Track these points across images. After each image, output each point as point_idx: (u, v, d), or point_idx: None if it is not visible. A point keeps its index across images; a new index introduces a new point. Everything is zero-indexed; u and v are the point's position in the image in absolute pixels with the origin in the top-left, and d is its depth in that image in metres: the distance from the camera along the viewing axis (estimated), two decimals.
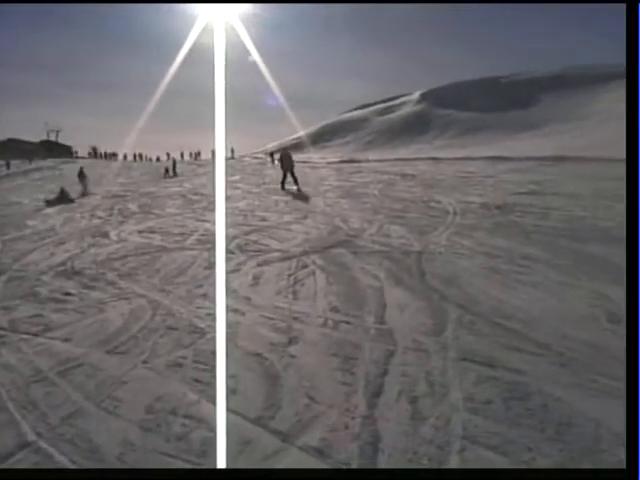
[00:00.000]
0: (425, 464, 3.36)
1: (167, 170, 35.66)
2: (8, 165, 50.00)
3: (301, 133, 73.16)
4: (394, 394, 4.26)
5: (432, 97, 76.15)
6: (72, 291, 7.63)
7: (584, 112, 54.09)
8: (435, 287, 6.95)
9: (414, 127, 65.47)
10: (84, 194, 23.43)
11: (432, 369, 4.64)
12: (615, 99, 55.48)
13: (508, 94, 67.61)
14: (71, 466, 3.53)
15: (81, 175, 26.33)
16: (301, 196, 17.41)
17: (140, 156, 64.40)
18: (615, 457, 3.33)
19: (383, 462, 3.39)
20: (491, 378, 4.42)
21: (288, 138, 73.53)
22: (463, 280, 7.21)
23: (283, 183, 21.09)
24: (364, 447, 3.57)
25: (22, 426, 4.07)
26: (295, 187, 20.39)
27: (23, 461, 3.63)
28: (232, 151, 58.52)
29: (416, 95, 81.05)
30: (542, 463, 3.32)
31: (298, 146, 68.57)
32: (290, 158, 21.94)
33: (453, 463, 3.36)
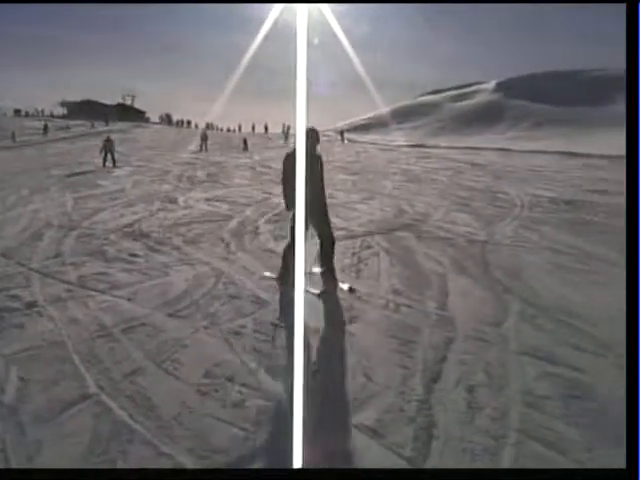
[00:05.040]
0: (478, 454, 3.33)
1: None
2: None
3: (372, 114, 72.66)
4: (452, 381, 4.23)
5: (508, 87, 74.50)
6: (138, 252, 7.81)
7: None
8: (499, 278, 6.85)
9: (487, 116, 64.19)
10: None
11: (492, 360, 4.59)
12: None
13: (587, 89, 65.75)
14: (130, 421, 3.63)
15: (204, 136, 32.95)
16: (368, 177, 17.20)
17: (212, 126, 65.02)
18: None
19: (437, 449, 3.38)
20: (551, 374, 4.34)
21: (359, 118, 73.19)
22: (528, 274, 7.09)
23: None
24: (418, 432, 3.55)
25: (86, 378, 4.20)
26: None
27: (85, 411, 3.74)
28: None
29: (492, 84, 79.46)
30: (596, 463, 3.25)
31: (368, 127, 68.27)
32: None
33: (507, 456, 3.32)
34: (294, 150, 6.37)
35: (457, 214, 11.41)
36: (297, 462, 3.21)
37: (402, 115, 71.78)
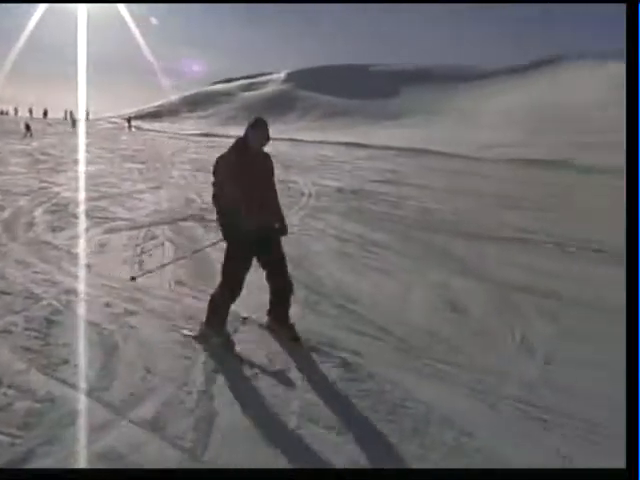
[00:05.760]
0: (259, 441, 3.33)
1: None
2: None
3: (162, 101, 71.30)
4: (234, 370, 4.21)
5: (298, 78, 76.56)
6: None
7: (443, 108, 56.57)
8: None
9: (278, 106, 65.59)
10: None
11: (274, 347, 4.65)
12: (473, 99, 58.50)
13: (373, 83, 69.41)
14: None
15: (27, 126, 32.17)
16: (156, 166, 16.93)
17: None
18: (441, 438, 3.45)
19: (217, 438, 3.33)
20: (332, 358, 4.47)
21: (148, 105, 71.51)
22: (312, 262, 7.31)
23: None
24: (199, 422, 3.49)
25: None
26: None
27: None
28: (87, 113, 55.95)
29: (282, 74, 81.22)
30: (373, 441, 3.39)
31: (157, 115, 66.86)
32: None
33: (288, 440, 3.36)
34: (228, 154, 4.65)
35: None
36: (82, 463, 3.04)
37: (193, 103, 71.19)
